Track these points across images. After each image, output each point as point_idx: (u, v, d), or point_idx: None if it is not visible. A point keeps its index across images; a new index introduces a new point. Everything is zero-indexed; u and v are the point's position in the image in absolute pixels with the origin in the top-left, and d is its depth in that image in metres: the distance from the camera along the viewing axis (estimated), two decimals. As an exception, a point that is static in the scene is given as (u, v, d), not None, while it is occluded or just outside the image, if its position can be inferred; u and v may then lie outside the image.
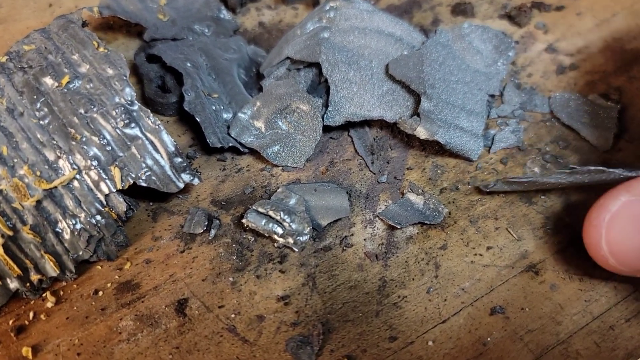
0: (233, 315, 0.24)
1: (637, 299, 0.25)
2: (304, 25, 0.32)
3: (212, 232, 0.26)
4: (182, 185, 0.26)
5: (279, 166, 0.28)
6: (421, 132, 0.28)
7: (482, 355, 0.23)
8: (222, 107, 0.29)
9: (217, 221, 0.26)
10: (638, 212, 0.21)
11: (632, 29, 0.35)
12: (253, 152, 0.29)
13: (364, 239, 0.26)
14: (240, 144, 0.29)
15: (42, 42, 0.27)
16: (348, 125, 0.30)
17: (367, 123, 0.30)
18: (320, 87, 0.30)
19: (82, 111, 0.25)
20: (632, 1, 0.37)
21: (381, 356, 0.23)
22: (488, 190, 0.27)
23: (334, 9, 0.32)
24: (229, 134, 0.29)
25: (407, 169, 0.29)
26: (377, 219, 0.27)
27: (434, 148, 0.29)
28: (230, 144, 0.28)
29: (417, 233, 0.26)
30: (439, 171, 0.28)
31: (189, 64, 0.30)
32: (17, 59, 0.27)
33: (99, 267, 0.25)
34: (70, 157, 0.25)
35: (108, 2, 0.34)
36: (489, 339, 0.23)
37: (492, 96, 0.31)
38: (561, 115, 0.30)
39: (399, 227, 0.26)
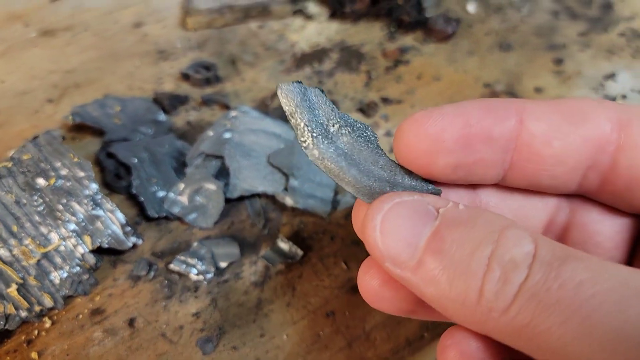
0: (164, 326, 0.38)
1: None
2: (214, 128, 0.47)
3: (152, 273, 0.41)
4: (131, 245, 0.40)
5: (196, 227, 0.43)
6: (289, 201, 0.43)
7: (316, 342, 0.38)
8: (158, 188, 0.44)
9: (155, 266, 0.41)
10: (407, 210, 0.20)
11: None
12: (179, 219, 0.44)
13: (250, 274, 0.41)
14: (171, 213, 0.43)
15: (35, 152, 0.42)
16: (244, 197, 0.45)
17: (257, 195, 0.45)
18: (224, 172, 0.45)
19: (64, 201, 0.40)
20: (451, 95, 0.53)
21: (254, 346, 0.38)
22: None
23: (235, 117, 0.47)
24: (163, 207, 0.43)
25: (282, 224, 0.44)
26: (259, 260, 0.42)
27: (299, 210, 0.44)
28: (164, 214, 0.43)
29: (284, 268, 0.41)
30: (303, 225, 0.44)
31: (135, 160, 0.45)
32: (19, 165, 0.42)
33: (79, 300, 0.40)
34: (57, 231, 0.39)
35: (78, 110, 0.49)
36: (321, 332, 0.38)
37: (342, 171, 0.47)
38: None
39: (271, 264, 0.41)
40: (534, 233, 0.18)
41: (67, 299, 0.39)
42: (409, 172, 0.23)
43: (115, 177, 0.45)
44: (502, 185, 0.24)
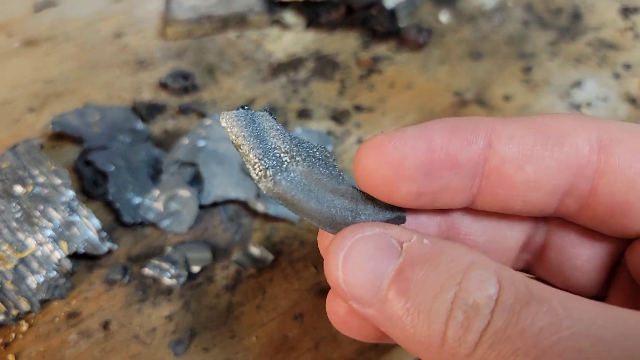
0: (138, 328, 0.40)
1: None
2: (190, 136, 0.49)
3: (127, 278, 0.42)
4: (106, 250, 0.42)
5: (171, 232, 0.45)
6: (260, 208, 0.45)
7: (284, 344, 0.39)
8: (134, 195, 0.46)
9: (130, 270, 0.42)
10: (371, 246, 0.20)
11: (398, 121, 0.53)
12: (154, 224, 0.45)
13: (222, 277, 0.42)
14: (146, 219, 0.45)
15: (14, 161, 0.43)
16: (217, 204, 0.46)
17: (230, 201, 0.47)
18: (199, 179, 0.47)
19: (41, 207, 0.41)
20: (422, 103, 0.55)
21: (224, 347, 0.39)
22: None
23: (209, 125, 0.48)
24: (138, 213, 0.45)
25: (254, 230, 0.45)
26: (231, 264, 0.43)
27: (270, 216, 0.46)
28: (140, 220, 0.44)
29: (255, 272, 0.43)
30: (274, 231, 0.45)
31: (113, 167, 0.46)
32: (-2, 173, 0.43)
33: (56, 303, 0.41)
34: (34, 236, 0.41)
35: (58, 119, 0.50)
36: (289, 333, 0.40)
37: (314, 178, 0.48)
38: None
39: (243, 268, 0.43)
40: (499, 270, 0.18)
41: (44, 302, 0.40)
42: (371, 198, 0.22)
43: (93, 185, 0.46)
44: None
